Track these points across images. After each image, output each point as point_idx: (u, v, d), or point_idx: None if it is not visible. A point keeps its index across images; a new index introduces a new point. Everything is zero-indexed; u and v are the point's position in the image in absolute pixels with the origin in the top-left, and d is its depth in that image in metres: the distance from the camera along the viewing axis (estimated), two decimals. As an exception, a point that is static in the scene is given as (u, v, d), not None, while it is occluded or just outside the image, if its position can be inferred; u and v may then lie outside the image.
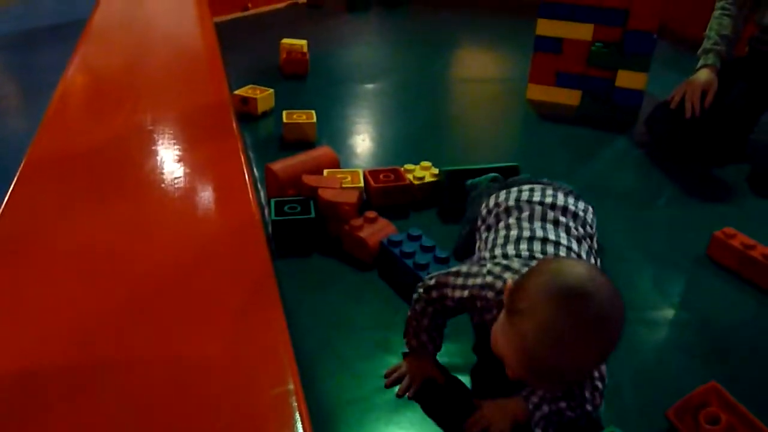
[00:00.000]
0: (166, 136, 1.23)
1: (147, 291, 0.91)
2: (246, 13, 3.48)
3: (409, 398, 1.03)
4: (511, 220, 1.14)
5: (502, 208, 1.19)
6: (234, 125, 1.25)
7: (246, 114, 2.10)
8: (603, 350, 0.80)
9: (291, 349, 0.82)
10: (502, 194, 1.24)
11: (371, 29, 3.50)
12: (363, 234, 1.36)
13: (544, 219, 1.12)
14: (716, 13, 2.00)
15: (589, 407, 0.93)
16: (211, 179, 1.08)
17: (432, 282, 1.02)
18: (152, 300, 0.90)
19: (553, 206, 1.15)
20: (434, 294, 1.02)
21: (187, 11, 2.08)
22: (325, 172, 1.61)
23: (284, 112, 1.96)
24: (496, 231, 1.14)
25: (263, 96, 2.11)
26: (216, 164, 1.12)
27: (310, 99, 2.31)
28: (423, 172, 1.65)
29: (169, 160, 1.14)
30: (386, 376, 1.07)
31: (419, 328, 1.06)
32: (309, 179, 1.50)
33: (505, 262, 0.99)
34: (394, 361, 1.11)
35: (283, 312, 0.91)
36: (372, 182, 1.57)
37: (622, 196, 1.74)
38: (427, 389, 1.05)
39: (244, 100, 2.09)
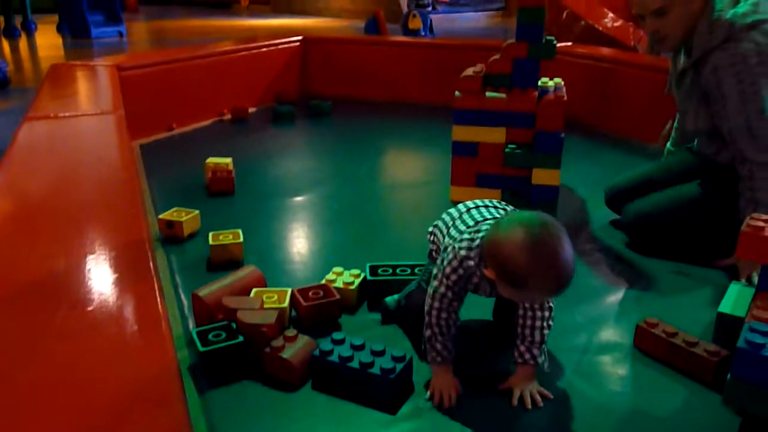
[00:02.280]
0: (80, 279, 1.19)
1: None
2: (171, 133, 3.51)
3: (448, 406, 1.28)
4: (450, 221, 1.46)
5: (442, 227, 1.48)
6: (151, 265, 1.22)
7: (172, 237, 2.08)
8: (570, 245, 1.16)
9: None
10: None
11: (297, 141, 3.58)
12: (286, 355, 1.34)
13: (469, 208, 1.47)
14: None
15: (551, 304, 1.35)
16: (125, 326, 1.04)
17: (438, 285, 1.32)
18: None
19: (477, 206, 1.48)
20: (443, 290, 1.31)
21: (106, 139, 2.07)
22: (253, 291, 1.60)
23: (210, 234, 1.95)
24: (447, 231, 1.43)
25: (188, 218, 2.09)
26: (131, 309, 1.09)
27: (238, 217, 2.31)
28: (351, 277, 1.69)
29: (81, 306, 1.10)
30: (432, 399, 1.30)
31: (445, 330, 1.32)
32: (228, 301, 1.48)
33: (462, 237, 1.31)
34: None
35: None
36: (301, 301, 1.56)
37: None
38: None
39: (170, 224, 2.07)
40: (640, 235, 2.08)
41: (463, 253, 1.29)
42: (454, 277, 1.30)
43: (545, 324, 1.33)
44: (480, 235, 1.28)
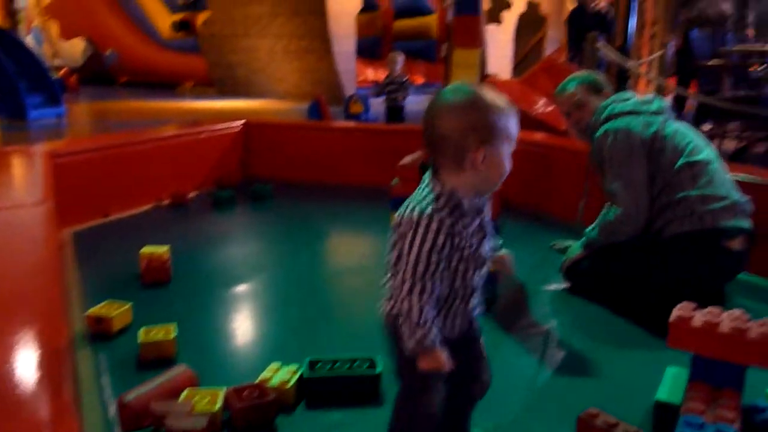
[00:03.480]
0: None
1: None
2: (107, 220, 3.41)
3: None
4: None
5: None
6: (70, 385, 1.14)
7: (101, 333, 1.98)
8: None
9: None
10: None
11: (237, 227, 3.54)
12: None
13: None
14: None
15: None
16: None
17: (420, 269, 1.18)
18: None
19: None
20: (432, 267, 1.18)
21: (31, 234, 1.99)
22: (185, 393, 1.52)
23: (141, 330, 1.87)
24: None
25: (119, 313, 2.00)
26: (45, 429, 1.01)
27: (173, 309, 2.22)
28: (288, 374, 1.64)
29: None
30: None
31: (429, 314, 1.17)
32: (156, 406, 1.41)
33: (421, 196, 1.25)
34: None
35: None
36: (235, 403, 1.49)
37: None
38: None
39: (98, 320, 1.98)
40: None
41: (428, 209, 1.19)
42: (440, 239, 1.17)
43: None
44: (432, 186, 1.23)
